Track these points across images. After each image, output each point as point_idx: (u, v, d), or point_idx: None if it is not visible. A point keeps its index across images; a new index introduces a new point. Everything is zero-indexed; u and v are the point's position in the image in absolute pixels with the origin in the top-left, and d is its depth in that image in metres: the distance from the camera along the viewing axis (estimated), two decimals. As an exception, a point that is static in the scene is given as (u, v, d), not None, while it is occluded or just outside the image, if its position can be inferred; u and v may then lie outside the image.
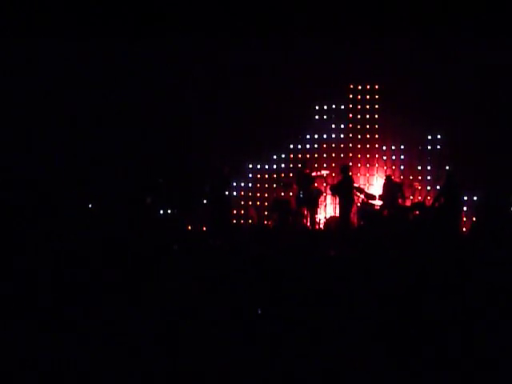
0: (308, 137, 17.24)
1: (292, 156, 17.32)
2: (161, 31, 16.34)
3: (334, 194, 15.50)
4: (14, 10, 15.82)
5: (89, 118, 17.08)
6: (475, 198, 15.54)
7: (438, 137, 16.38)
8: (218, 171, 15.68)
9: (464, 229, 15.23)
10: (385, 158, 16.69)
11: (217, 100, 17.62)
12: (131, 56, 16.98)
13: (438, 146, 16.39)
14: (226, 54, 17.06)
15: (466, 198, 15.38)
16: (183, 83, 17.44)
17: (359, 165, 16.83)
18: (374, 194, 15.58)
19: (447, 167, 15.78)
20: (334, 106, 17.10)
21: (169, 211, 16.44)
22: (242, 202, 17.34)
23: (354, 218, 15.26)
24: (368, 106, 16.95)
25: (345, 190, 14.91)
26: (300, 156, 17.15)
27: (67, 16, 15.91)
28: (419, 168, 16.34)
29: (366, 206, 15.30)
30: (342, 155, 16.94)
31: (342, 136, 17.05)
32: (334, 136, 17.11)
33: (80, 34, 16.23)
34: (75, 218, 16.05)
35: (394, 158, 16.61)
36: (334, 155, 17.05)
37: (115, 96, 17.08)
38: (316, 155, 17.16)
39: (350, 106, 17.04)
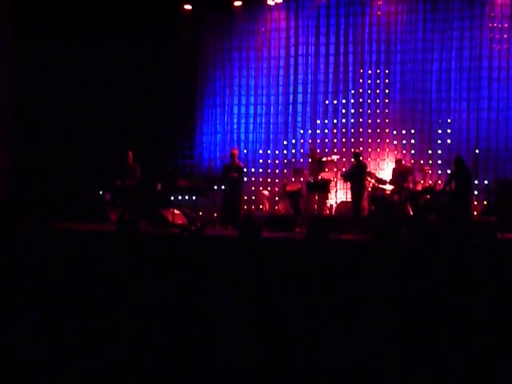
0: (318, 122, 17.27)
1: (302, 141, 17.36)
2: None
3: (346, 181, 15.52)
4: None
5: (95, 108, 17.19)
6: (486, 182, 15.51)
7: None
8: (230, 157, 15.74)
9: (475, 213, 15.21)
10: (395, 142, 16.64)
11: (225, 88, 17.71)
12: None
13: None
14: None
15: (476, 182, 15.39)
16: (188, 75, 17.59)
17: (369, 149, 16.79)
18: (385, 178, 15.56)
19: (457, 151, 15.72)
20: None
21: (179, 197, 16.55)
22: (253, 188, 17.40)
23: (364, 202, 15.26)
24: (378, 91, 16.91)
25: (357, 175, 14.89)
26: (310, 141, 17.19)
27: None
28: (430, 152, 16.28)
29: (377, 191, 15.29)
30: (352, 140, 16.95)
31: (352, 121, 17.04)
32: (344, 121, 17.12)
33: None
34: (86, 207, 16.19)
35: (404, 142, 16.56)
36: (344, 140, 17.04)
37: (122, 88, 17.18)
38: (326, 140, 17.19)
39: (360, 90, 17.01)
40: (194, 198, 15.59)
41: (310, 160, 16.43)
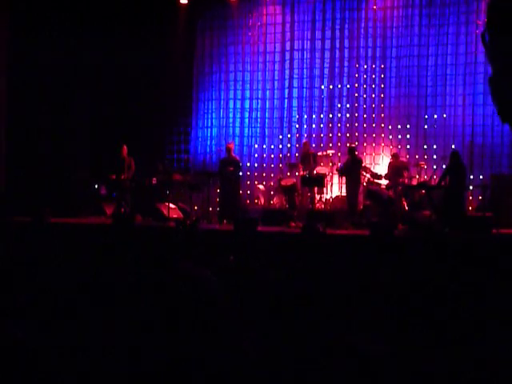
0: (314, 116, 17.28)
1: (298, 136, 17.37)
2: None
3: (341, 175, 15.52)
4: None
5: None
6: (481, 177, 15.53)
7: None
8: (226, 151, 15.76)
9: (470, 207, 15.25)
10: (391, 137, 16.65)
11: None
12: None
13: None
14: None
15: (471, 177, 15.41)
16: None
17: (365, 144, 16.80)
18: (380, 173, 15.57)
19: (453, 146, 15.74)
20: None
21: (175, 192, 16.56)
22: (248, 182, 17.41)
23: (360, 197, 15.29)
24: (373, 85, 16.91)
25: (352, 170, 14.91)
26: (306, 135, 17.21)
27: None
28: (425, 147, 16.30)
29: (372, 186, 15.31)
30: (347, 135, 16.95)
31: (347, 115, 17.05)
32: (339, 115, 17.12)
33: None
34: (81, 201, 16.19)
35: (399, 137, 16.57)
36: (339, 135, 17.05)
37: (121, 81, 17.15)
38: (322, 135, 17.20)
39: (356, 85, 17.01)
40: (189, 192, 15.61)
41: (296, 154, 16.56)
